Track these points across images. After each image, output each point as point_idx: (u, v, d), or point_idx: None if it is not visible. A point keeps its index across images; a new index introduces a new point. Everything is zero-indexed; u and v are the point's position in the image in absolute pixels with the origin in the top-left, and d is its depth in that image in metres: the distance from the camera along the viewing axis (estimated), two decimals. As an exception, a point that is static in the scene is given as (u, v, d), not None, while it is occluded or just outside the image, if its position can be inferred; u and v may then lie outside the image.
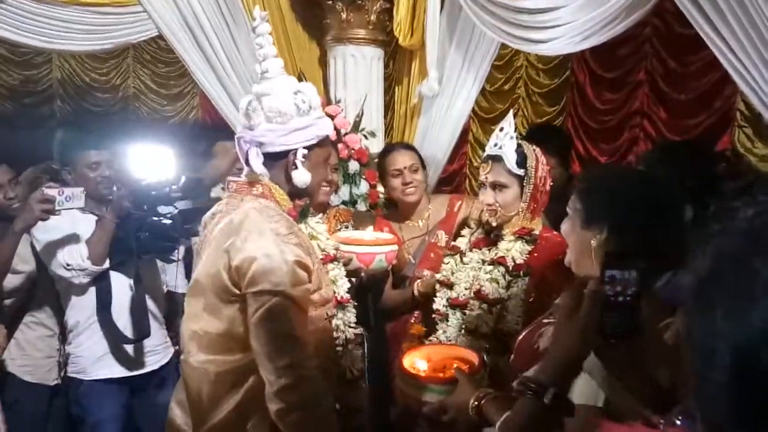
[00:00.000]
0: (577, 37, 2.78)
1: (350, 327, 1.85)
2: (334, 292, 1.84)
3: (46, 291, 2.38)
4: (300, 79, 3.27)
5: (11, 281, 2.27)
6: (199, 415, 1.56)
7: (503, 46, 3.34)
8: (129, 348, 2.35)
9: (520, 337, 1.52)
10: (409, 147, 2.62)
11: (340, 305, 1.84)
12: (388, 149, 2.64)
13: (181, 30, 3.32)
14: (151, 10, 3.26)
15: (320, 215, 1.97)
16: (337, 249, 1.92)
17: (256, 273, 1.43)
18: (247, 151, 1.57)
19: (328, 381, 1.59)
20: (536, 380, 0.95)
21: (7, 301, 2.31)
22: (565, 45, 2.86)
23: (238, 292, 1.47)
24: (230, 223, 1.53)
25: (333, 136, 3.05)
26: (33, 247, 2.30)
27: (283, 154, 1.57)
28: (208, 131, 3.59)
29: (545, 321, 1.49)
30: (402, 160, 2.47)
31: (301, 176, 1.57)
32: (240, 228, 1.50)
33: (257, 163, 1.56)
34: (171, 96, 5.39)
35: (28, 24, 3.04)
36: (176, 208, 2.22)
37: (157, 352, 2.43)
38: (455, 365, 1.40)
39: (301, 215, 1.76)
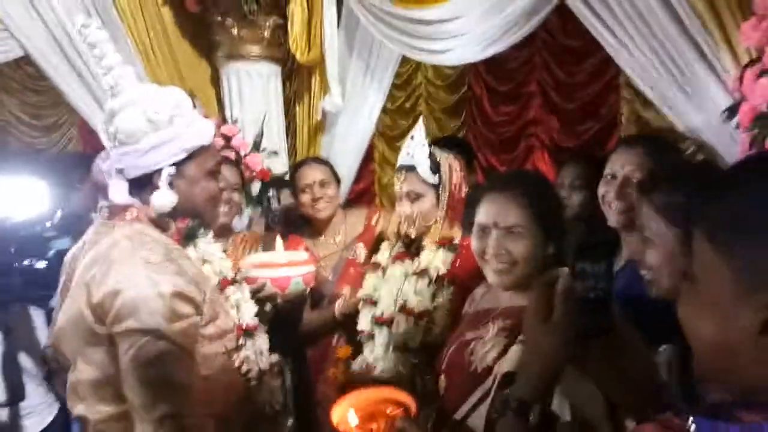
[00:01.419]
0: (479, 46, 2.80)
1: (263, 356, 1.65)
2: (239, 320, 1.63)
3: None
4: (191, 101, 3.10)
5: None
6: None
7: (402, 64, 3.32)
8: (2, 412, 2.02)
9: (447, 357, 1.45)
10: (321, 161, 2.52)
11: (247, 333, 1.64)
12: (299, 164, 2.53)
13: (50, 50, 2.99)
14: (13, 28, 2.91)
15: (212, 238, 1.75)
16: (237, 272, 1.72)
17: (122, 309, 1.21)
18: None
19: (225, 429, 1.37)
20: (518, 398, 0.84)
21: None
22: (467, 54, 2.87)
23: (103, 330, 1.24)
24: (95, 255, 1.29)
25: (232, 156, 2.87)
26: None
27: (149, 176, 1.35)
28: (85, 159, 3.26)
29: (468, 336, 1.43)
30: (312, 174, 2.36)
31: (161, 198, 1.34)
32: (104, 258, 1.27)
33: (121, 193, 1.34)
34: (45, 127, 4.92)
35: None
36: (51, 249, 1.93)
37: (37, 413, 2.16)
38: (390, 411, 1.25)
39: (187, 237, 1.54)
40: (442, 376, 1.45)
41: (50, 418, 2.21)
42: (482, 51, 2.85)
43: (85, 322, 1.25)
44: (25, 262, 1.91)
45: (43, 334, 2.24)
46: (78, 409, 1.30)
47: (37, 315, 2.21)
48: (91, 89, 3.05)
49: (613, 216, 1.61)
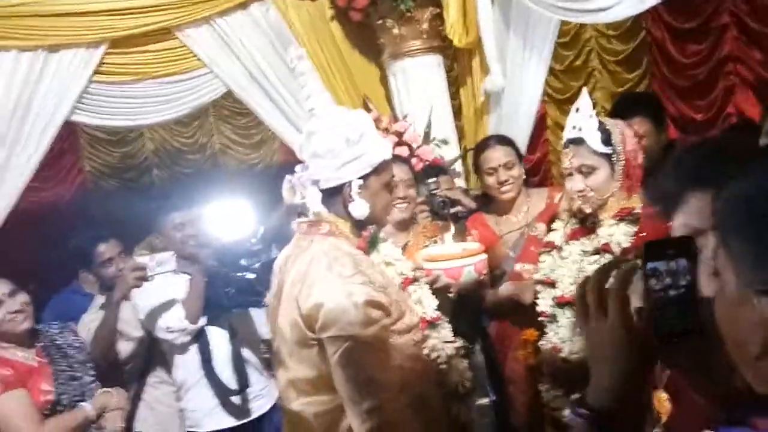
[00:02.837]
0: (644, -5, 2.59)
1: (448, 343, 1.80)
2: (423, 313, 1.80)
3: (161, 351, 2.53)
4: (365, 103, 3.35)
5: (126, 348, 2.43)
6: None
7: (565, 21, 3.19)
8: (235, 398, 2.44)
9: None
10: (505, 141, 2.50)
11: (432, 324, 1.79)
12: (482, 146, 2.54)
13: (246, 82, 3.45)
14: (216, 70, 3.42)
15: (391, 239, 1.94)
16: (416, 270, 1.88)
17: (326, 319, 1.43)
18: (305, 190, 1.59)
19: (424, 410, 1.54)
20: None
21: (127, 367, 2.46)
22: (628, 8, 2.67)
23: (314, 336, 1.48)
24: (298, 271, 1.54)
25: (405, 152, 3.05)
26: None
27: (340, 188, 1.57)
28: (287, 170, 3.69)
29: None
30: (496, 157, 2.40)
31: (358, 208, 1.55)
32: (306, 275, 1.51)
33: (315, 201, 1.57)
34: (254, 144, 5.63)
35: (111, 107, 3.28)
36: (259, 261, 2.28)
37: (261, 396, 2.51)
38: None
39: (371, 245, 1.74)
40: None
41: (272, 403, 2.54)
42: (643, 1, 2.63)
43: (300, 329, 1.50)
44: (239, 274, 2.28)
45: (264, 329, 2.62)
46: (296, 404, 1.56)
47: (256, 314, 2.58)
48: (284, 111, 3.46)
49: None
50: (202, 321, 2.38)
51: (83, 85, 3.16)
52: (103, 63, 3.24)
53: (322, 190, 1.58)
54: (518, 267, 2.23)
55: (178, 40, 3.39)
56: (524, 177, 2.46)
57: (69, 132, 4.14)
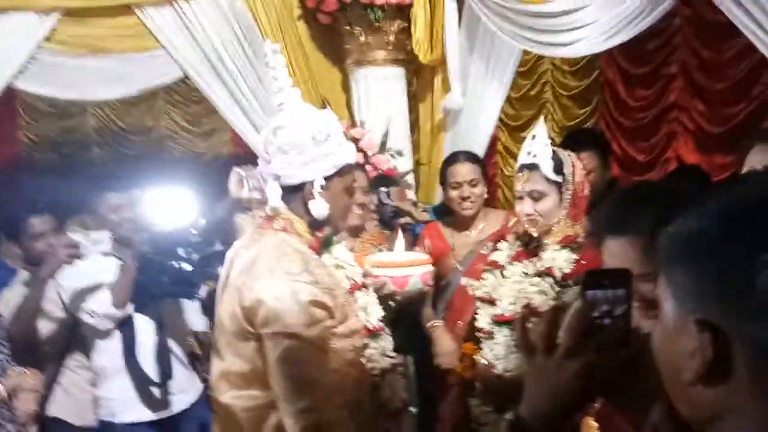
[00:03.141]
0: (602, 36, 2.72)
1: (386, 356, 1.80)
2: (367, 321, 1.79)
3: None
4: (324, 106, 3.34)
5: (47, 328, 2.31)
6: None
7: (526, 51, 3.29)
8: (156, 390, 2.36)
9: None
10: (474, 159, 2.54)
11: (373, 334, 1.79)
12: (452, 159, 2.57)
13: (204, 68, 3.38)
14: (174, 53, 3.33)
15: (344, 242, 1.93)
16: (365, 276, 1.88)
17: (267, 314, 1.41)
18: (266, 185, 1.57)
19: (356, 416, 1.53)
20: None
21: (46, 348, 2.34)
22: (590, 45, 2.80)
23: (252, 330, 1.45)
24: (246, 262, 1.51)
25: (360, 159, 3.06)
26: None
27: (301, 186, 1.55)
28: (241, 164, 3.61)
29: None
30: (463, 172, 2.43)
31: (318, 207, 1.54)
32: (252, 267, 1.48)
33: (275, 196, 1.55)
34: (203, 133, 5.49)
35: (58, 78, 3.14)
36: (197, 252, 2.22)
37: (183, 392, 2.42)
38: None
39: (324, 246, 1.72)
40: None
41: (194, 399, 2.46)
42: (608, 40, 2.76)
43: (238, 320, 1.46)
44: (175, 263, 2.21)
45: (199, 322, 2.56)
46: (226, 396, 1.52)
47: (190, 307, 2.52)
48: (240, 103, 3.40)
49: None
50: (130, 308, 2.29)
51: (30, 50, 3.02)
52: (56, 31, 3.10)
53: (283, 187, 1.56)
54: (464, 281, 2.26)
55: (136, 18, 3.29)
56: (486, 196, 2.49)
57: (8, 98, 3.91)
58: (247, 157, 4.31)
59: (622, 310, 0.75)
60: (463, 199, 2.41)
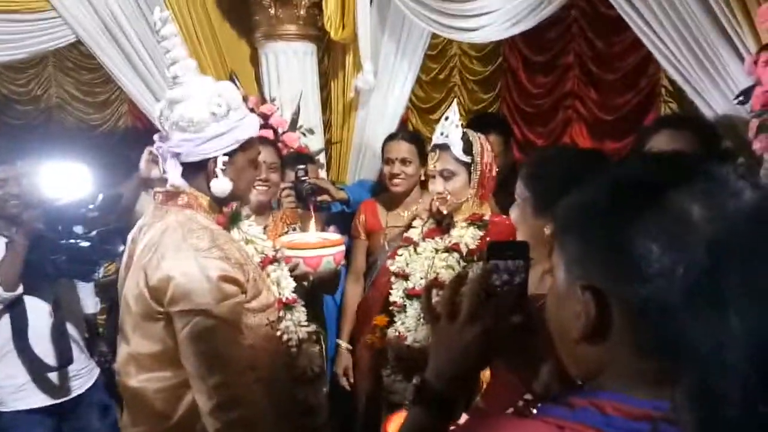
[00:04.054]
0: (507, 24, 2.82)
1: (301, 326, 1.81)
2: (280, 294, 1.79)
3: None
4: (231, 79, 3.23)
5: None
6: None
7: (435, 35, 3.36)
8: (52, 375, 2.25)
9: None
10: (411, 138, 2.56)
11: (287, 306, 1.80)
12: (391, 136, 2.61)
13: (99, 34, 3.16)
14: (66, 15, 3.09)
15: (253, 217, 1.92)
16: (276, 251, 1.87)
17: (176, 292, 1.38)
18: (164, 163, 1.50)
19: (273, 390, 1.55)
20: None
21: None
22: (495, 32, 2.90)
23: (161, 309, 1.41)
24: (150, 239, 1.46)
25: (270, 135, 3.01)
26: None
27: (203, 163, 1.50)
28: (140, 138, 3.44)
29: None
30: (396, 150, 2.47)
31: (221, 185, 1.50)
32: (158, 244, 1.43)
33: (175, 175, 1.49)
34: (97, 104, 5.15)
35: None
36: (95, 229, 2.11)
37: (81, 376, 2.35)
38: None
39: (232, 221, 1.70)
40: None
41: (91, 382, 2.40)
42: (512, 27, 2.87)
43: (145, 300, 1.42)
44: (71, 241, 2.09)
45: (89, 304, 2.44)
46: (135, 380, 1.47)
47: (82, 287, 2.41)
48: (139, 72, 3.22)
49: None
50: (19, 290, 2.14)
51: None
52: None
53: (183, 164, 1.50)
54: (388, 262, 2.31)
55: (24, -26, 3.01)
56: (422, 178, 2.52)
57: None
58: (146, 131, 4.12)
59: (520, 279, 0.82)
60: (393, 175, 2.45)
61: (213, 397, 1.37)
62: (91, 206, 2.11)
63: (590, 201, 0.66)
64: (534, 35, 4.11)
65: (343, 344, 2.49)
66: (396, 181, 2.46)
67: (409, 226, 2.30)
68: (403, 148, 2.47)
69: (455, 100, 2.27)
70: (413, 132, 2.69)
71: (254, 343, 1.51)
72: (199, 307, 1.37)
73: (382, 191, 2.68)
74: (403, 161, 2.45)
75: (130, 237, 1.59)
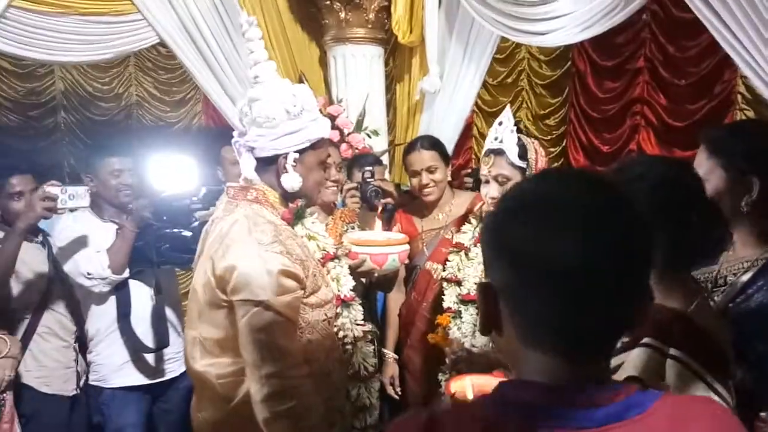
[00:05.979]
0: (577, 28, 2.79)
1: (357, 324, 1.86)
2: (339, 291, 1.84)
3: (61, 300, 2.41)
4: (301, 81, 3.34)
5: (21, 291, 2.29)
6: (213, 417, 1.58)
7: (504, 39, 3.35)
8: (149, 356, 2.38)
9: None
10: (431, 145, 2.49)
11: (345, 303, 1.85)
12: (409, 148, 2.54)
13: (180, 36, 3.33)
14: (150, 18, 3.27)
15: (316, 214, 1.97)
16: (337, 248, 1.92)
17: (238, 282, 1.44)
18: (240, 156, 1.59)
19: (325, 385, 1.58)
20: None
21: (14, 312, 2.31)
22: (565, 36, 2.87)
23: (225, 297, 1.48)
24: (220, 231, 1.54)
25: (336, 136, 3.09)
26: (50, 256, 2.33)
27: (275, 159, 1.57)
28: (217, 137, 3.60)
29: None
30: (419, 160, 2.40)
31: (290, 180, 1.56)
32: (225, 236, 1.51)
33: (249, 168, 1.57)
34: (174, 102, 5.39)
35: (28, 37, 3.05)
36: (197, 220, 2.23)
37: (176, 360, 2.44)
38: None
39: (296, 217, 1.76)
40: None
41: (185, 367, 2.50)
42: (582, 31, 2.83)
43: (211, 288, 1.50)
44: (175, 230, 2.22)
45: None
46: (200, 364, 1.56)
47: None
48: (215, 72, 3.37)
49: None
50: (126, 273, 2.28)
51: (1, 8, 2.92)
52: (29, -10, 3.00)
53: (257, 158, 1.59)
54: (428, 265, 2.33)
55: (112, -21, 3.21)
56: (449, 179, 2.54)
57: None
58: (218, 130, 4.28)
59: None
60: (423, 186, 2.40)
61: (264, 386, 1.42)
62: (194, 198, 2.23)
63: (497, 212, 0.79)
64: (603, 39, 4.02)
65: (389, 353, 2.47)
66: (427, 191, 2.41)
67: (457, 231, 2.29)
68: (426, 157, 2.41)
69: (508, 105, 2.24)
70: (429, 137, 2.62)
71: (311, 338, 1.56)
72: (258, 298, 1.43)
73: (414, 197, 2.66)
74: (429, 170, 2.40)
75: (204, 230, 1.69)
